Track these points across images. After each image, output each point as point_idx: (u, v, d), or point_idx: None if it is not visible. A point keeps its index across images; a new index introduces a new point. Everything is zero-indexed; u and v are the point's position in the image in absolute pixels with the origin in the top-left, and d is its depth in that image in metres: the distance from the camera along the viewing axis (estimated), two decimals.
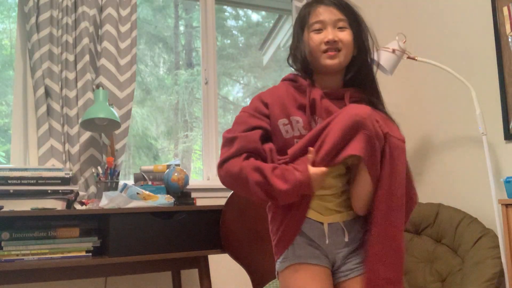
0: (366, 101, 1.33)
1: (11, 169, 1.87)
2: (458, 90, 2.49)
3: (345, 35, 1.30)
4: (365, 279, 1.25)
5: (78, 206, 1.94)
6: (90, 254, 1.79)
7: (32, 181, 1.87)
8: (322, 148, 1.20)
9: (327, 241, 1.27)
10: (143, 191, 1.96)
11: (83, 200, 2.01)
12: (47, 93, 2.21)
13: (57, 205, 1.89)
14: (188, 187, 2.17)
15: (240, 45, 3.20)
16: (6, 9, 2.54)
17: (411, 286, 2.36)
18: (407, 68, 2.79)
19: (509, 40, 2.25)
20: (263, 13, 3.22)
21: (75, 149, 2.21)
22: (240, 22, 3.24)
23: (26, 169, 1.89)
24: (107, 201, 1.86)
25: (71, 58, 2.27)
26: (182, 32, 3.08)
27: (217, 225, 1.95)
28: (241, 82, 3.18)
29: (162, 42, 2.95)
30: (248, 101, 3.15)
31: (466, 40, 2.50)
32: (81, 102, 2.25)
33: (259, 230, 1.92)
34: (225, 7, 3.08)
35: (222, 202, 2.00)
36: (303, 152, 1.23)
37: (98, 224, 1.88)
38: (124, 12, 2.42)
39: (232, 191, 2.00)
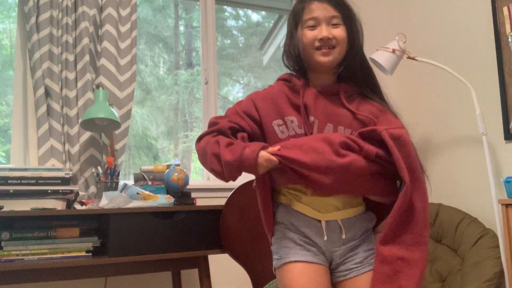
0: (359, 94, 1.34)
1: (11, 169, 1.87)
2: (458, 90, 2.49)
3: (339, 32, 1.30)
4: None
5: (78, 206, 1.94)
6: (90, 254, 1.79)
7: (32, 181, 1.87)
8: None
9: (325, 238, 1.27)
10: (143, 191, 1.96)
11: (83, 200, 2.00)
12: (47, 93, 2.21)
13: (57, 205, 1.89)
14: (188, 187, 2.17)
15: (240, 45, 3.20)
16: (6, 9, 2.54)
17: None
18: (407, 68, 2.79)
19: (509, 40, 2.25)
20: (263, 13, 3.22)
21: (75, 149, 2.21)
22: (240, 22, 3.24)
23: (26, 169, 1.89)
24: (107, 201, 1.86)
25: (71, 58, 2.27)
26: (182, 32, 3.08)
27: (217, 225, 1.95)
28: (241, 82, 3.18)
29: (162, 42, 2.95)
30: None
31: (466, 40, 2.50)
32: (81, 102, 2.25)
33: (259, 230, 1.91)
34: (225, 7, 3.08)
35: (222, 202, 2.00)
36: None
37: (98, 224, 1.88)
38: (124, 12, 2.42)
39: (232, 191, 2.00)
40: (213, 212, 1.97)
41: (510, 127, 2.23)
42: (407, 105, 2.91)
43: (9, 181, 1.84)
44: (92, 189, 2.20)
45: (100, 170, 2.12)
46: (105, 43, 2.33)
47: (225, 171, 1.22)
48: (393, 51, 2.31)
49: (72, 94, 2.25)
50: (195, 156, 2.95)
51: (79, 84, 2.27)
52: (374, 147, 1.24)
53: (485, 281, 1.96)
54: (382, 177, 1.29)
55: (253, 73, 3.16)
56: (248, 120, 1.32)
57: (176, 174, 2.09)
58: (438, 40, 2.69)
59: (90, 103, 2.23)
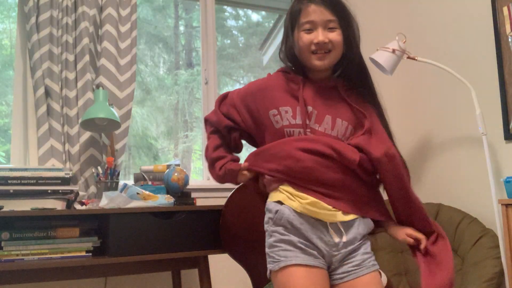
0: (356, 91, 1.37)
1: (11, 169, 1.87)
2: (458, 90, 2.49)
3: (335, 36, 1.31)
4: None
5: (78, 206, 1.94)
6: (90, 254, 1.79)
7: (32, 181, 1.87)
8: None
9: (332, 238, 1.27)
10: (143, 191, 1.96)
11: (83, 200, 2.00)
12: (47, 93, 2.21)
13: (57, 205, 1.88)
14: (188, 187, 2.17)
15: (240, 45, 3.20)
16: (6, 9, 2.54)
17: (411, 286, 2.36)
18: (407, 68, 2.79)
19: (509, 40, 2.25)
20: (263, 13, 3.22)
21: (75, 149, 2.21)
22: (240, 22, 3.24)
23: (26, 169, 1.89)
24: (107, 201, 1.86)
25: (71, 58, 2.27)
26: (182, 32, 3.08)
27: (217, 225, 1.94)
28: (241, 82, 3.18)
29: (162, 42, 2.95)
30: None
31: (466, 40, 2.50)
32: (81, 102, 2.25)
33: (259, 230, 1.91)
34: (225, 7, 3.08)
35: (222, 202, 2.00)
36: None
37: (98, 224, 1.88)
38: (124, 12, 2.42)
39: (232, 191, 2.00)
40: (213, 212, 1.96)
41: (510, 127, 2.23)
42: (407, 105, 2.91)
43: (9, 181, 1.84)
44: (92, 189, 2.20)
45: (100, 170, 2.12)
46: (105, 43, 2.33)
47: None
48: (393, 51, 2.31)
49: (72, 94, 2.25)
50: (195, 156, 2.95)
51: (79, 84, 2.27)
52: (357, 156, 1.28)
53: (485, 281, 1.96)
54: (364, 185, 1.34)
55: (253, 73, 3.16)
56: (243, 112, 1.40)
57: (176, 174, 2.08)
58: (438, 40, 2.69)
59: (90, 103, 2.23)
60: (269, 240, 1.32)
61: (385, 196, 1.38)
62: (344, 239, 1.28)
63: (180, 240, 1.88)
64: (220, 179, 1.40)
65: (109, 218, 1.78)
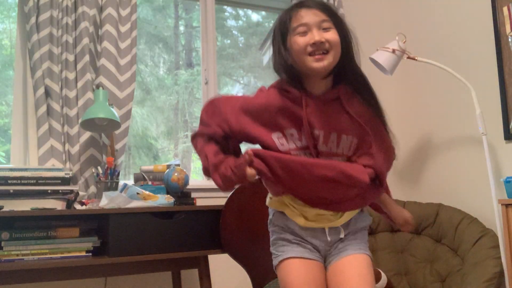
0: (359, 98, 1.32)
1: (11, 169, 1.87)
2: (458, 90, 2.49)
3: (332, 35, 1.24)
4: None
5: (78, 206, 1.94)
6: (90, 254, 1.79)
7: (32, 181, 1.87)
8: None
9: (328, 239, 1.32)
10: (143, 191, 1.96)
11: (83, 200, 2.00)
12: (47, 93, 2.21)
13: (57, 205, 1.89)
14: (188, 187, 2.17)
15: (240, 45, 3.20)
16: (6, 9, 2.54)
17: (411, 286, 2.36)
18: (407, 68, 2.79)
19: (509, 40, 2.25)
20: (263, 13, 3.22)
21: (75, 149, 2.21)
22: (240, 22, 3.24)
23: (26, 169, 1.89)
24: (107, 201, 1.86)
25: (71, 58, 2.27)
26: (182, 32, 3.08)
27: (217, 225, 1.94)
28: (241, 82, 3.18)
29: (162, 42, 2.95)
30: None
31: (466, 40, 2.50)
32: (81, 102, 2.25)
33: (259, 230, 1.92)
34: (225, 7, 3.08)
35: (222, 202, 2.00)
36: None
37: (98, 224, 1.88)
38: (124, 12, 2.42)
39: (232, 192, 2.00)
40: (213, 212, 1.96)
41: (510, 127, 2.23)
42: (407, 105, 2.91)
43: (9, 181, 1.84)
44: (92, 189, 2.20)
45: (100, 170, 2.12)
46: (105, 43, 2.33)
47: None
48: (393, 51, 2.31)
49: (72, 94, 2.25)
50: (195, 156, 2.95)
51: (79, 84, 2.27)
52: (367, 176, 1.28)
53: (485, 281, 1.96)
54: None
55: (253, 73, 3.16)
56: (239, 132, 1.30)
57: (176, 174, 2.08)
58: (438, 40, 2.69)
59: (90, 103, 2.23)
60: (271, 239, 1.39)
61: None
62: (342, 235, 1.33)
63: (180, 240, 1.88)
64: (227, 180, 1.24)
65: (109, 218, 1.78)
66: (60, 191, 1.90)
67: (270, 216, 1.39)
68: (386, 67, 2.32)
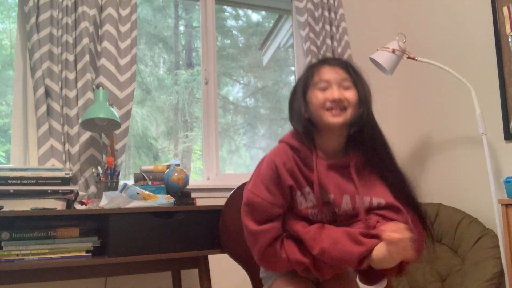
0: (369, 166, 1.33)
1: (11, 169, 1.87)
2: (458, 90, 2.50)
3: (351, 94, 1.30)
4: None
5: (78, 206, 1.94)
6: (90, 254, 1.79)
7: (32, 181, 1.87)
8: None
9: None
10: (143, 191, 1.96)
11: (83, 200, 2.00)
12: (47, 93, 2.21)
13: (57, 205, 1.88)
14: (188, 187, 2.17)
15: (240, 45, 3.20)
16: (6, 9, 2.54)
17: (411, 286, 2.35)
18: (407, 68, 2.79)
19: (509, 40, 2.25)
20: (263, 13, 3.22)
21: (75, 149, 2.21)
22: (240, 22, 3.24)
23: (26, 169, 1.89)
24: (107, 201, 1.86)
25: (71, 58, 2.27)
26: (182, 32, 3.08)
27: (217, 225, 1.94)
28: (241, 82, 3.18)
29: (162, 42, 2.95)
30: (248, 101, 3.15)
31: (466, 40, 2.50)
32: (81, 102, 2.25)
33: None
34: (225, 7, 3.08)
35: (222, 202, 2.00)
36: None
37: (98, 224, 1.88)
38: (124, 12, 2.42)
39: (232, 192, 2.00)
40: (213, 212, 1.96)
41: (510, 127, 2.23)
42: (407, 105, 2.91)
43: (9, 181, 1.84)
44: (92, 189, 2.20)
45: (100, 170, 2.12)
46: (105, 43, 2.33)
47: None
48: (393, 51, 2.31)
49: (72, 94, 2.25)
50: (195, 156, 2.95)
51: (79, 84, 2.27)
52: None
53: (485, 281, 1.96)
54: None
55: (253, 73, 3.16)
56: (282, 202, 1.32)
57: (176, 174, 2.08)
58: (438, 40, 2.69)
59: (90, 103, 2.23)
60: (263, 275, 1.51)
61: None
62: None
63: (180, 240, 1.88)
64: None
65: (109, 218, 1.78)
66: (60, 191, 1.90)
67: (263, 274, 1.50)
68: (386, 67, 2.32)
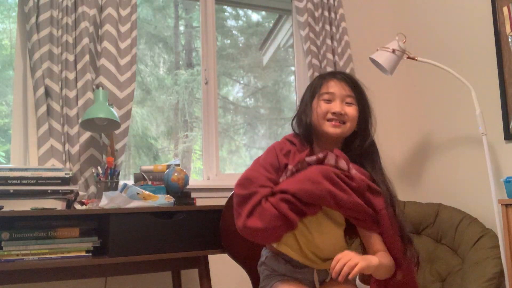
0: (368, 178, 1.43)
1: (11, 169, 1.87)
2: (458, 90, 2.50)
3: (352, 110, 1.43)
4: None
5: (78, 206, 1.94)
6: (90, 254, 1.79)
7: (32, 181, 1.87)
8: None
9: (311, 282, 1.43)
10: (143, 191, 1.96)
11: (83, 200, 2.00)
12: (47, 93, 2.21)
13: (57, 205, 1.88)
14: (188, 187, 2.17)
15: (240, 45, 3.20)
16: (6, 9, 2.54)
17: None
18: (407, 68, 2.79)
19: (509, 40, 2.25)
20: (263, 13, 3.22)
21: (75, 149, 2.21)
22: (240, 22, 3.24)
23: (26, 169, 1.89)
24: (107, 201, 1.86)
25: (71, 58, 2.27)
26: (182, 32, 3.08)
27: (217, 225, 1.94)
28: (241, 82, 3.18)
29: (162, 42, 2.95)
30: (248, 101, 3.16)
31: (466, 40, 2.50)
32: (81, 102, 2.25)
33: None
34: (225, 7, 3.08)
35: (222, 202, 2.00)
36: None
37: (98, 224, 1.88)
38: (124, 12, 2.42)
39: (232, 192, 2.00)
40: (213, 212, 1.96)
41: (510, 127, 2.23)
42: (407, 105, 2.91)
43: (9, 181, 1.84)
44: (92, 189, 2.20)
45: (100, 170, 2.12)
46: (105, 43, 2.33)
47: None
48: (393, 51, 2.31)
49: (72, 94, 2.25)
50: (195, 156, 2.95)
51: (79, 84, 2.27)
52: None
53: (485, 281, 1.96)
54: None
55: (253, 73, 3.16)
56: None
57: (176, 174, 2.08)
58: (438, 40, 2.69)
59: (90, 103, 2.23)
60: (261, 277, 1.56)
61: None
62: (328, 278, 1.45)
63: (180, 240, 1.88)
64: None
65: (109, 218, 1.78)
66: (60, 191, 1.90)
67: (263, 259, 1.53)
68: (386, 67, 2.32)
